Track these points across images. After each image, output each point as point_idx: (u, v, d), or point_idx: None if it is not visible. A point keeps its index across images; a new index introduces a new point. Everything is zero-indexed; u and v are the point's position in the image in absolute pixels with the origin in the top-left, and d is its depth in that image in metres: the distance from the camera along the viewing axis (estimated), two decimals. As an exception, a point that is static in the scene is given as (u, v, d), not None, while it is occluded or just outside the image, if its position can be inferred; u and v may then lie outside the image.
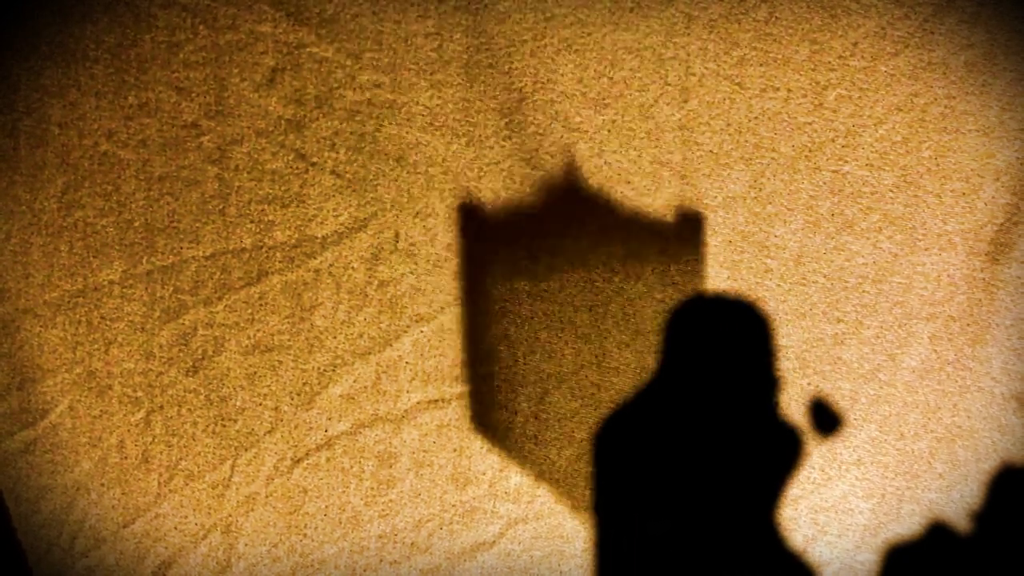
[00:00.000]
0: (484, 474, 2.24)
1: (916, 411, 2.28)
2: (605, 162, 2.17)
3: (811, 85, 2.17)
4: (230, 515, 2.20)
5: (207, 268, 2.14)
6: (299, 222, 2.15)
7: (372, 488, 2.23)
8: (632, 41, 2.14)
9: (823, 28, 2.15)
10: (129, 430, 2.15)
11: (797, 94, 2.17)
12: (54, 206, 2.08)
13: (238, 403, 2.17)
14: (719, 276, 2.22)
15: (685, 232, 2.20)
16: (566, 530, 2.27)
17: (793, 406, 2.26)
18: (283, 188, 2.14)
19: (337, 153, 2.14)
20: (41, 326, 2.10)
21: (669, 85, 2.16)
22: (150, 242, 2.12)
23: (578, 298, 2.21)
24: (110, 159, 2.09)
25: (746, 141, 2.18)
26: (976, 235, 2.23)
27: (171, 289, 2.13)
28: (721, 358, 2.23)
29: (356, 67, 2.11)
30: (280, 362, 2.17)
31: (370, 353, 2.19)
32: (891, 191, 2.21)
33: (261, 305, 2.16)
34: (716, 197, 2.19)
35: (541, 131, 2.16)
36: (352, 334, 2.18)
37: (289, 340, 2.17)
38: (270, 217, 2.14)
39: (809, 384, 2.26)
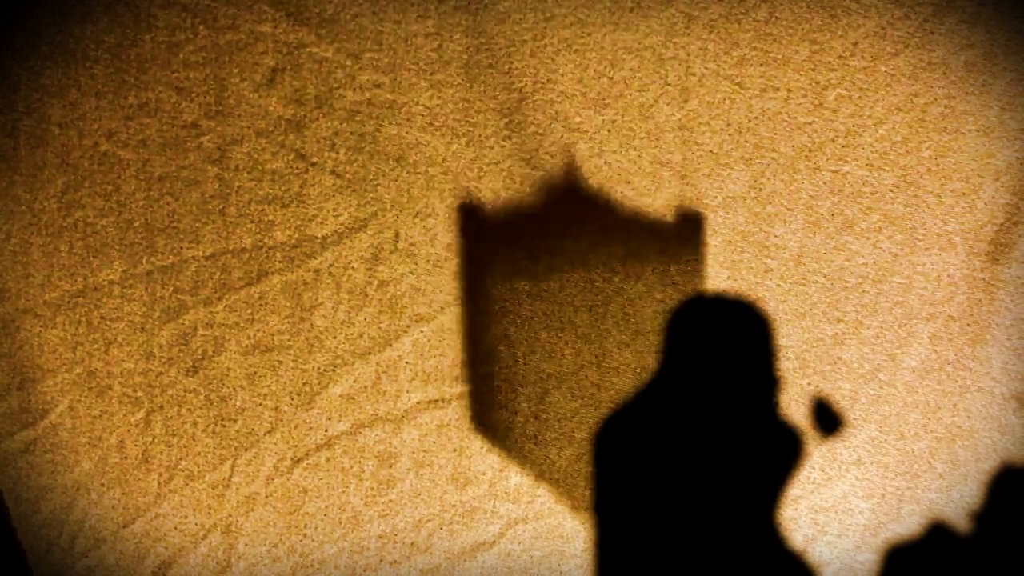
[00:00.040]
0: (484, 474, 2.24)
1: (916, 411, 2.28)
2: (605, 162, 2.17)
3: (811, 85, 2.17)
4: (230, 515, 2.20)
5: (207, 268, 2.14)
6: (299, 222, 2.15)
7: (372, 488, 2.23)
8: (632, 41, 2.14)
9: (823, 28, 2.15)
10: (129, 430, 2.15)
11: (797, 94, 2.17)
12: (54, 206, 2.08)
13: (238, 403, 2.17)
14: (719, 276, 2.22)
15: (685, 232, 2.20)
16: (566, 530, 2.27)
17: (793, 406, 2.26)
18: (283, 188, 2.14)
19: (337, 153, 2.14)
20: (41, 326, 2.10)
21: (669, 85, 2.16)
22: (150, 242, 2.12)
23: (578, 298, 2.21)
24: (110, 159, 2.09)
25: (746, 141, 2.18)
26: (976, 235, 2.23)
27: (171, 289, 2.13)
28: (721, 358, 2.23)
29: (356, 67, 2.11)
30: (280, 362, 2.17)
31: (370, 353, 2.19)
32: (891, 191, 2.21)
33: (261, 305, 2.16)
34: (716, 197, 2.19)
35: (541, 131, 2.16)
36: (352, 334, 2.18)
37: (289, 340, 2.17)
38: (270, 217, 2.14)
39: (809, 384, 2.26)
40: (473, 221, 2.17)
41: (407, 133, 2.14)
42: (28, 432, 2.12)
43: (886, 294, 2.24)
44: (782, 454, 2.27)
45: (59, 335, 2.11)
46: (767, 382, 2.25)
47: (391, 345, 2.19)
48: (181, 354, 2.15)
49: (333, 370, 2.19)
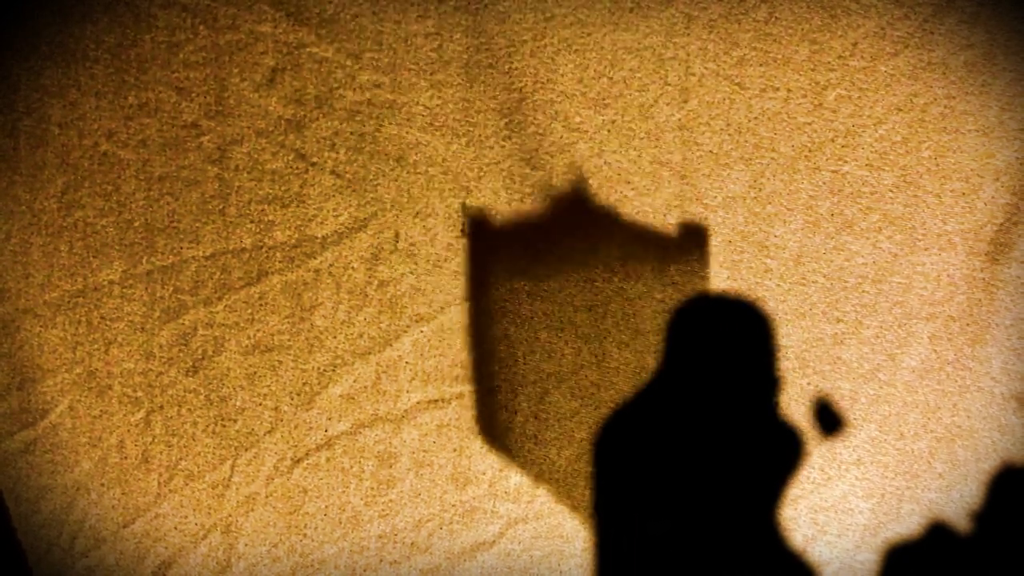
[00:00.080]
0: (484, 474, 2.24)
1: (916, 411, 2.28)
2: (605, 162, 2.17)
3: (811, 85, 2.17)
4: (230, 515, 2.20)
5: (207, 268, 2.14)
6: (299, 222, 2.15)
7: (372, 488, 2.23)
8: (632, 41, 2.14)
9: (823, 28, 2.15)
10: (129, 430, 2.15)
11: (797, 94, 2.17)
12: (54, 206, 2.08)
13: (238, 403, 2.17)
14: (719, 276, 2.22)
15: (685, 232, 2.20)
16: (566, 530, 2.27)
17: (793, 406, 2.26)
18: (283, 188, 2.14)
19: (337, 153, 2.14)
20: (41, 326, 2.10)
21: (669, 85, 2.16)
22: (150, 242, 2.12)
23: (578, 298, 2.21)
24: (110, 159, 2.09)
25: (746, 141, 2.18)
26: (976, 235, 2.23)
27: (171, 289, 2.13)
28: (721, 358, 2.23)
29: (356, 67, 2.11)
30: (280, 362, 2.17)
31: (370, 353, 2.19)
32: (891, 191, 2.21)
33: (261, 305, 2.16)
34: (716, 197, 2.19)
35: (541, 131, 2.16)
36: (352, 334, 2.18)
37: (289, 340, 2.17)
38: (270, 217, 2.14)
39: (809, 384, 2.26)
40: (473, 221, 2.17)
41: (407, 133, 2.14)
42: (28, 432, 2.12)
43: (886, 294, 2.24)
44: (782, 454, 2.27)
45: (59, 335, 2.11)
46: (767, 382, 2.25)
47: (391, 345, 2.19)
48: (181, 354, 2.15)
49: (333, 370, 2.19)
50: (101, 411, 2.14)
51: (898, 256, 2.23)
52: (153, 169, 2.10)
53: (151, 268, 2.12)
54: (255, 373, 2.17)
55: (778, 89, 2.17)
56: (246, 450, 2.19)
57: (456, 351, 2.21)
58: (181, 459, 2.17)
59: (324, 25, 2.09)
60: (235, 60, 2.09)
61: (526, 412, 2.23)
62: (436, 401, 2.21)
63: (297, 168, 2.13)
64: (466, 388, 2.22)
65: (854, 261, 2.22)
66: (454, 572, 2.26)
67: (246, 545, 2.21)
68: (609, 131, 2.16)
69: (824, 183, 2.21)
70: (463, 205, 2.17)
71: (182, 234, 2.12)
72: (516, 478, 2.25)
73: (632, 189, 2.18)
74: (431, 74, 2.12)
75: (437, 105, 2.13)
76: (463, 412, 2.22)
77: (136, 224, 2.11)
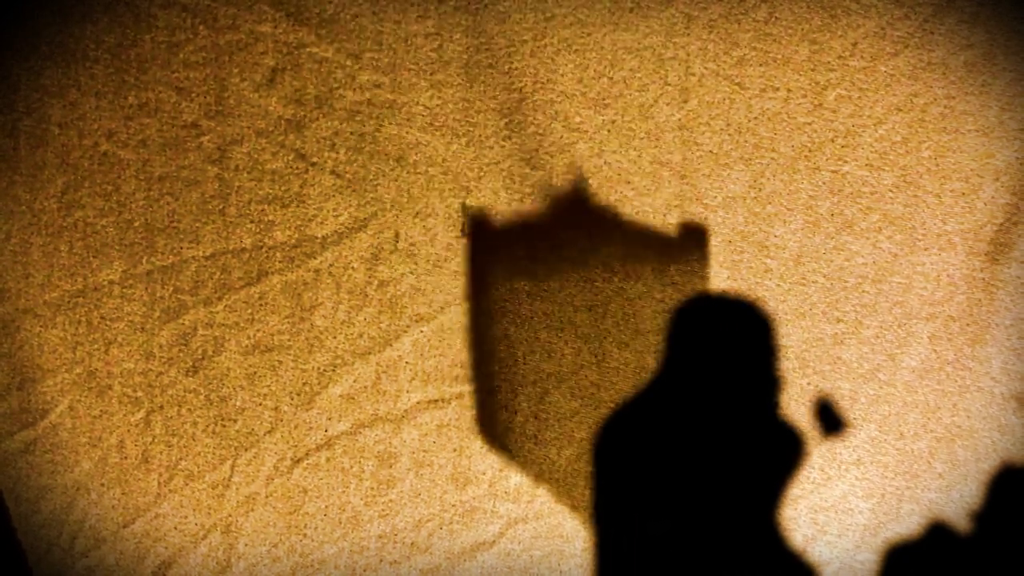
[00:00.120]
0: (484, 474, 2.24)
1: (916, 411, 2.28)
2: (605, 162, 2.17)
3: (811, 85, 2.17)
4: (230, 515, 2.20)
5: (207, 268, 2.14)
6: (299, 222, 2.15)
7: (372, 488, 2.23)
8: (632, 41, 2.14)
9: (823, 28, 2.15)
10: (129, 430, 2.15)
11: (797, 94, 2.17)
12: (54, 206, 2.08)
13: (238, 403, 2.17)
14: (719, 276, 2.22)
15: (685, 232, 2.20)
16: (566, 530, 2.27)
17: (793, 406, 2.26)
18: (283, 188, 2.14)
19: (337, 153, 2.14)
20: (41, 326, 2.10)
21: (669, 85, 2.16)
22: (150, 242, 2.12)
23: (578, 298, 2.21)
24: (110, 159, 2.09)
25: (746, 141, 2.18)
26: (976, 235, 2.23)
27: (171, 289, 2.13)
28: (721, 358, 2.23)
29: (356, 67, 2.11)
30: (280, 362, 2.17)
31: (370, 353, 2.19)
32: (891, 191, 2.21)
33: (261, 305, 2.16)
34: (716, 197, 2.19)
35: (541, 131, 2.16)
36: (352, 334, 2.18)
37: (289, 340, 2.17)
38: (270, 217, 2.14)
39: (809, 384, 2.26)
40: (473, 221, 2.17)
41: (407, 133, 2.14)
42: (28, 432, 2.12)
43: (886, 294, 2.24)
44: (782, 454, 2.27)
45: (59, 335, 2.11)
46: (767, 382, 2.25)
47: (391, 345, 2.19)
48: (181, 354, 2.15)
49: (333, 370, 2.19)
50: (101, 411, 2.14)
51: (898, 256, 2.23)
52: (153, 169, 2.10)
53: (151, 268, 2.12)
54: (255, 373, 2.17)
55: (778, 89, 2.17)
56: (246, 450, 2.19)
57: (456, 351, 2.21)
58: (181, 459, 2.17)
59: (324, 25, 2.09)
60: (235, 60, 2.09)
61: (526, 412, 2.23)
62: (436, 401, 2.21)
63: (297, 168, 2.13)
64: (466, 388, 2.22)
65: (854, 261, 2.22)
66: (454, 572, 2.26)
67: (246, 545, 2.21)
68: (609, 131, 2.16)
69: (824, 183, 2.21)
70: (463, 205, 2.17)
71: (182, 234, 2.12)
72: (516, 478, 2.25)
73: (632, 189, 2.18)
74: (431, 74, 2.12)
75: (437, 105, 2.13)
76: (463, 412, 2.22)
77: (136, 224, 2.11)
